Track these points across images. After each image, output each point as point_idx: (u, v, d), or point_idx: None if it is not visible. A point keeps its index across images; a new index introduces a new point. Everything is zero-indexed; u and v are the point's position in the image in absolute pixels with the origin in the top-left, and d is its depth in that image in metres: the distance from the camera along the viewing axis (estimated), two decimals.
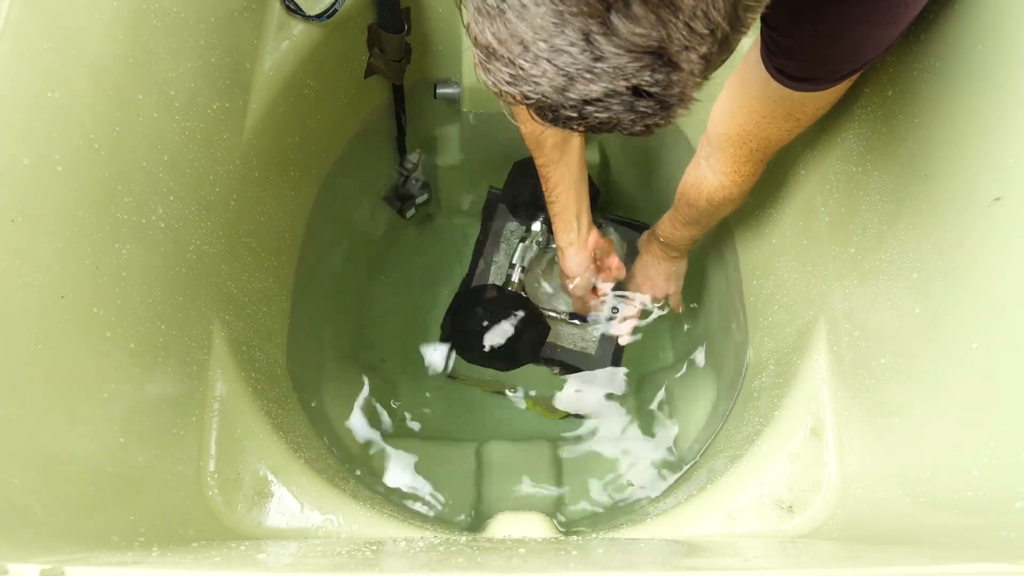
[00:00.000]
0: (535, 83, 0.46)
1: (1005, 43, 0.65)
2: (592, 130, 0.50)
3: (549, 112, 0.48)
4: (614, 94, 0.46)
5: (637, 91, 0.46)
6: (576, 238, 1.11)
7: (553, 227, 1.12)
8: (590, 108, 0.47)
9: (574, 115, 0.47)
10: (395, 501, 1.11)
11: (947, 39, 0.73)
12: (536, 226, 1.24)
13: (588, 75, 0.44)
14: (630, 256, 1.31)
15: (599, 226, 1.35)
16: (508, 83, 0.47)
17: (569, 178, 1.05)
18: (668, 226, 1.11)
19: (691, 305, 1.37)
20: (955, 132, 0.71)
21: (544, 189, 1.07)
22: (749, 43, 0.76)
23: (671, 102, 0.47)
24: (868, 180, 0.87)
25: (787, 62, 0.71)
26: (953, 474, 0.67)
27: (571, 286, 1.18)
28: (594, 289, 1.20)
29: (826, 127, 0.98)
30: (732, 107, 0.83)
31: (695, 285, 1.36)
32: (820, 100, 0.77)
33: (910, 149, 0.79)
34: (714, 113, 0.87)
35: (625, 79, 0.45)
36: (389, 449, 1.22)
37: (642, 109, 0.47)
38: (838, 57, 0.68)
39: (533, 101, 0.47)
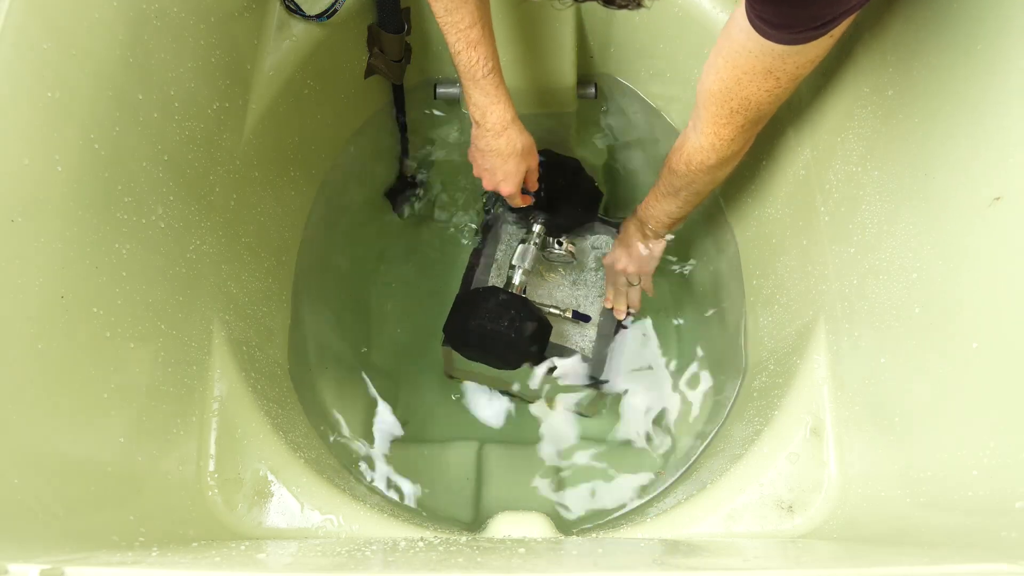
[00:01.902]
0: None
1: (1005, 43, 0.65)
2: None
3: None
4: None
5: None
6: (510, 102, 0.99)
7: (478, 93, 0.96)
8: None
9: None
10: (395, 501, 1.11)
11: (947, 39, 0.73)
12: (536, 227, 1.24)
13: None
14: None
15: (598, 229, 1.36)
16: None
17: (487, 14, 0.91)
18: (649, 199, 1.11)
19: (689, 305, 1.37)
20: (955, 132, 0.71)
21: (453, 38, 0.93)
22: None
23: None
24: (868, 180, 0.87)
25: (766, 7, 0.71)
26: (953, 474, 0.67)
27: (509, 168, 1.04)
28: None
29: (826, 127, 0.98)
30: (717, 61, 0.84)
31: (695, 285, 1.36)
32: (800, 57, 0.77)
33: (910, 149, 0.79)
34: (702, 71, 0.88)
35: None
36: (389, 449, 1.22)
37: None
38: (816, 1, 0.68)
39: None
